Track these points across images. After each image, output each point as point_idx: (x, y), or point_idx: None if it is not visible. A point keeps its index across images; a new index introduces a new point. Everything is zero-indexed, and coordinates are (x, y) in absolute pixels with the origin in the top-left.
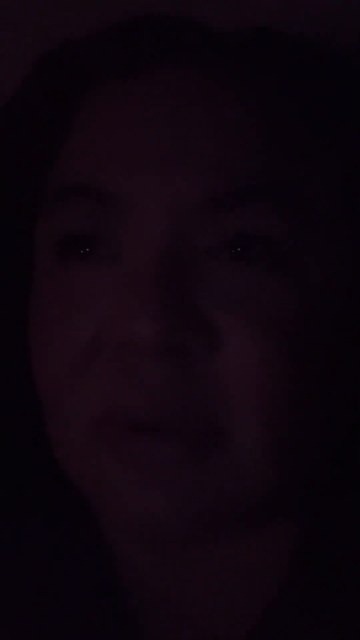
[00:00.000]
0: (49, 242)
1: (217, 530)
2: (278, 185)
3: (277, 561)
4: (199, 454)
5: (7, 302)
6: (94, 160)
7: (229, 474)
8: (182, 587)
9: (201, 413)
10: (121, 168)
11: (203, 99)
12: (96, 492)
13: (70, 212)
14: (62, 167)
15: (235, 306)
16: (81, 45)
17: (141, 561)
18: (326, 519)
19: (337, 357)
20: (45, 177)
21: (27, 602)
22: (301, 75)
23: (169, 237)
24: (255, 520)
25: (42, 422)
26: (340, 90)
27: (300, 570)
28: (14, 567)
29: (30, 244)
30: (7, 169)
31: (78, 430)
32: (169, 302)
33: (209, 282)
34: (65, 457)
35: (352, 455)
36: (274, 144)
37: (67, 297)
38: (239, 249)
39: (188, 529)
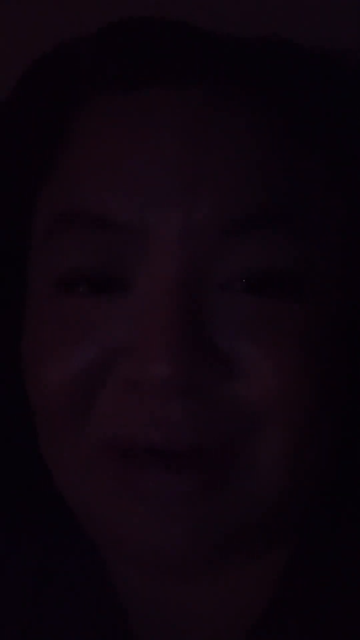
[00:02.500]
0: (49, 275)
1: (232, 554)
2: (289, 210)
3: (274, 582)
4: (216, 482)
5: None
6: (100, 183)
7: (249, 496)
8: (180, 606)
9: (220, 440)
10: (133, 195)
11: (208, 122)
12: (103, 523)
13: (74, 241)
14: (62, 187)
15: (251, 336)
16: (79, 51)
17: (136, 580)
18: (316, 539)
19: (349, 367)
20: (37, 191)
21: (24, 616)
22: (302, 92)
23: (186, 268)
24: (263, 541)
25: (36, 437)
26: (342, 108)
27: (288, 589)
28: (9, 580)
29: (20, 252)
30: None
31: (79, 458)
32: (187, 340)
33: (222, 314)
34: (64, 481)
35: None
36: (280, 168)
37: (69, 325)
38: (252, 283)
39: (205, 557)
